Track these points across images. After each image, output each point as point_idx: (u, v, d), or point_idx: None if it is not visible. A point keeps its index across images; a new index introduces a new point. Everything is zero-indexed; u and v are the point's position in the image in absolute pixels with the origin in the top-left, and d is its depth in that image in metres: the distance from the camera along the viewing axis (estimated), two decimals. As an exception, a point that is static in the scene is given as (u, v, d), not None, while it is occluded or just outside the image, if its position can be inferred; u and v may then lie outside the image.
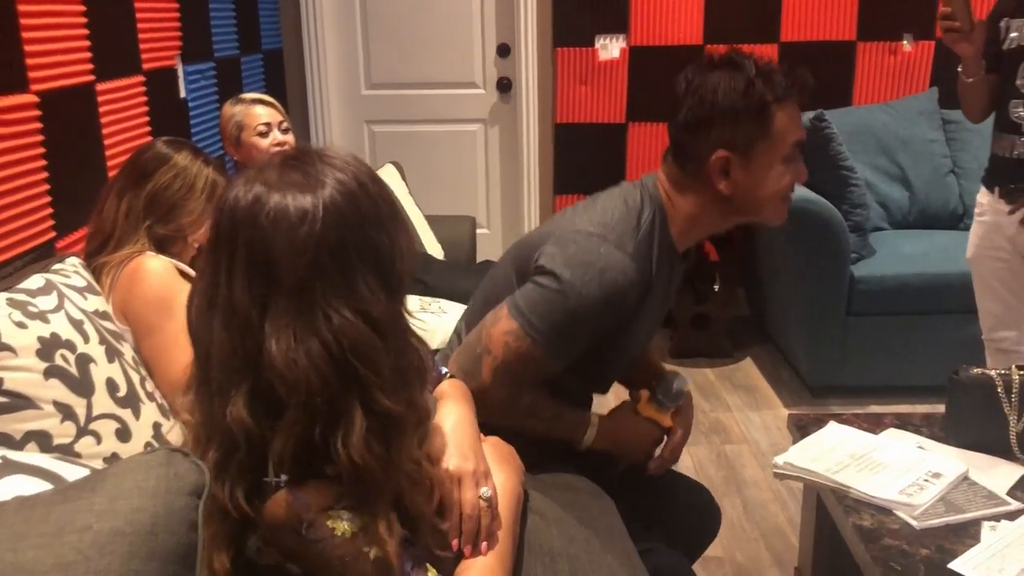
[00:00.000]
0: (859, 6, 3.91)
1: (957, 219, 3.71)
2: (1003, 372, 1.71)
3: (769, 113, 1.42)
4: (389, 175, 3.43)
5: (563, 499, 1.38)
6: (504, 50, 4.06)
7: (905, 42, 3.94)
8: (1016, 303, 2.47)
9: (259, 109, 2.62)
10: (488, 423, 1.27)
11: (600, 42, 3.96)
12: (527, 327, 1.40)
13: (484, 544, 1.07)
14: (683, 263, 1.60)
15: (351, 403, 0.94)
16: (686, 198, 1.50)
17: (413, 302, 2.65)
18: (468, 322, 1.61)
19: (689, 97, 1.45)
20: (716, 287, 3.79)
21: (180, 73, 2.81)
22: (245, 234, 0.95)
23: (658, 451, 1.64)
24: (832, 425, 1.82)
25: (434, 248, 3.32)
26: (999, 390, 1.69)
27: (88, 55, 2.20)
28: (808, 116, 3.27)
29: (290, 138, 2.64)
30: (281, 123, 2.63)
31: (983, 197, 2.49)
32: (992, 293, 2.51)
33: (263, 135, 2.59)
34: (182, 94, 2.82)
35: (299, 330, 0.93)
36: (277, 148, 2.58)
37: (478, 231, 3.76)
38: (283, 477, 0.94)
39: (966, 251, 2.57)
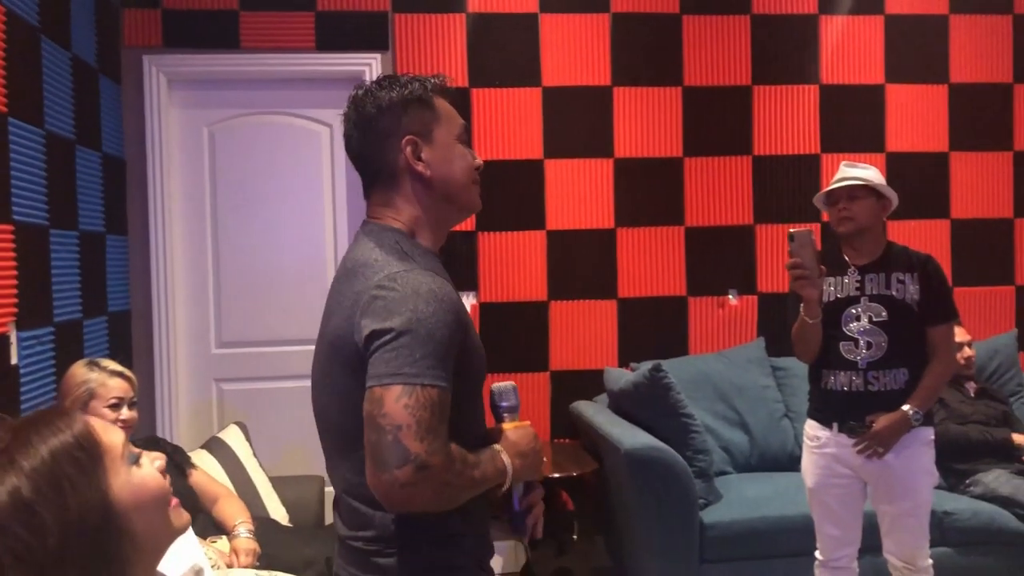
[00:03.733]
0: (686, 266, 4.26)
1: (795, 461, 3.85)
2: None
3: (431, 100, 1.57)
4: (233, 436, 3.34)
5: None
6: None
7: (731, 296, 4.28)
8: (853, 522, 2.75)
9: (116, 382, 2.55)
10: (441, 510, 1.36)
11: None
12: (409, 379, 1.35)
13: None
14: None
15: None
16: (404, 208, 1.56)
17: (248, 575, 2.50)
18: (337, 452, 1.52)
19: (363, 114, 1.54)
20: (575, 536, 3.76)
21: (13, 339, 2.71)
22: None
23: None
24: None
25: (278, 512, 3.18)
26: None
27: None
28: (647, 367, 3.44)
29: (135, 413, 2.58)
30: (132, 398, 2.58)
31: (817, 431, 2.75)
32: (833, 517, 2.75)
33: (113, 408, 2.51)
34: (13, 361, 2.72)
35: None
36: (122, 423, 2.50)
37: (327, 490, 3.65)
38: None
39: (806, 482, 2.78)
